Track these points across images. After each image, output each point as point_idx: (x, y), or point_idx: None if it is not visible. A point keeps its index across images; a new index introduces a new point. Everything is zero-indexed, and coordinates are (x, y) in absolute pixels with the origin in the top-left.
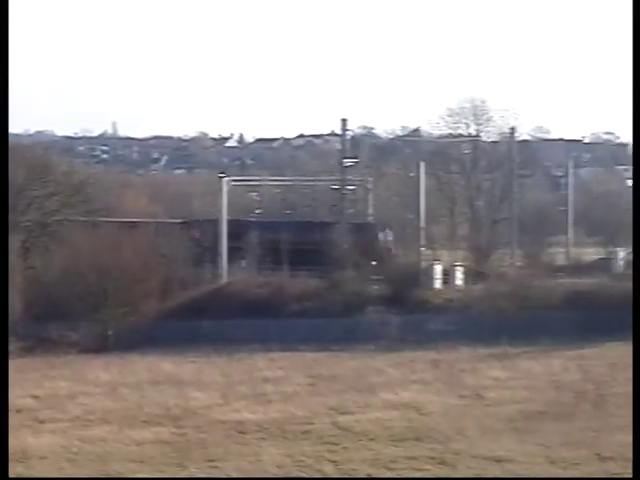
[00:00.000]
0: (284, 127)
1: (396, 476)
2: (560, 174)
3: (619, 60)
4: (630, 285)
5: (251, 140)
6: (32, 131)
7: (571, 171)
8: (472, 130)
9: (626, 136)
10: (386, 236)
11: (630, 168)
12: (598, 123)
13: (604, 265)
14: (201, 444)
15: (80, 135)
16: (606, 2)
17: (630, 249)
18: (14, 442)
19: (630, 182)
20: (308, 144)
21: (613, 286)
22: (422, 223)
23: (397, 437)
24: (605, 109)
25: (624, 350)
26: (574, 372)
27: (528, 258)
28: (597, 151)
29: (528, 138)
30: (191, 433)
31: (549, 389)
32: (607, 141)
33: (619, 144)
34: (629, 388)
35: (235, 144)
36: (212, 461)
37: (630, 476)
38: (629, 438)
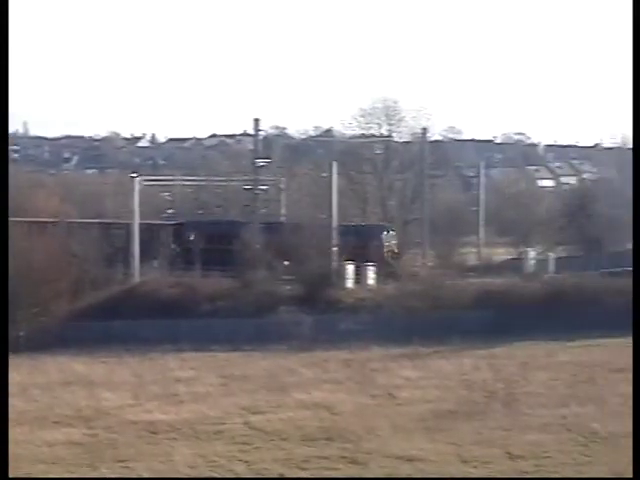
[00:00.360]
0: (196, 127)
1: (310, 476)
2: (471, 174)
3: (530, 60)
4: (539, 285)
5: (163, 140)
6: None
7: (482, 171)
8: (384, 130)
9: (537, 136)
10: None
11: (541, 168)
12: (509, 123)
13: (515, 265)
14: (112, 445)
15: None
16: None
17: (540, 249)
18: None
19: (541, 182)
20: (221, 144)
21: (524, 286)
22: (334, 223)
23: (309, 437)
24: (516, 110)
25: (535, 349)
26: (485, 371)
27: (439, 258)
28: (508, 151)
29: (440, 138)
30: (102, 434)
31: (460, 388)
32: (518, 141)
33: (530, 144)
34: (539, 387)
35: (147, 144)
36: (123, 462)
37: (630, 476)
38: (539, 437)
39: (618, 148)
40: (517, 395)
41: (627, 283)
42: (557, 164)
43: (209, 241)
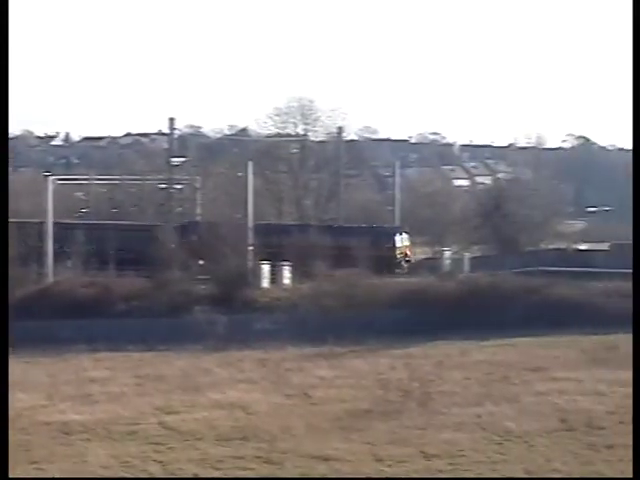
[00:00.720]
0: (111, 126)
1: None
2: (387, 174)
3: (444, 59)
4: (455, 285)
5: (77, 139)
6: None
7: (398, 171)
8: (300, 130)
9: (452, 136)
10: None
11: (456, 168)
12: (424, 123)
13: (430, 264)
14: (25, 446)
15: None
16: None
17: (455, 249)
18: None
19: (456, 182)
20: (135, 143)
21: (439, 285)
22: (250, 223)
23: (224, 437)
24: (431, 109)
25: (450, 349)
26: (401, 371)
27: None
28: (423, 151)
29: (355, 138)
30: (15, 435)
31: (376, 388)
32: (433, 141)
33: (445, 144)
34: (455, 387)
35: (61, 143)
36: (36, 463)
37: (630, 476)
38: (454, 436)
39: (533, 148)
40: (432, 394)
41: (541, 282)
42: (472, 164)
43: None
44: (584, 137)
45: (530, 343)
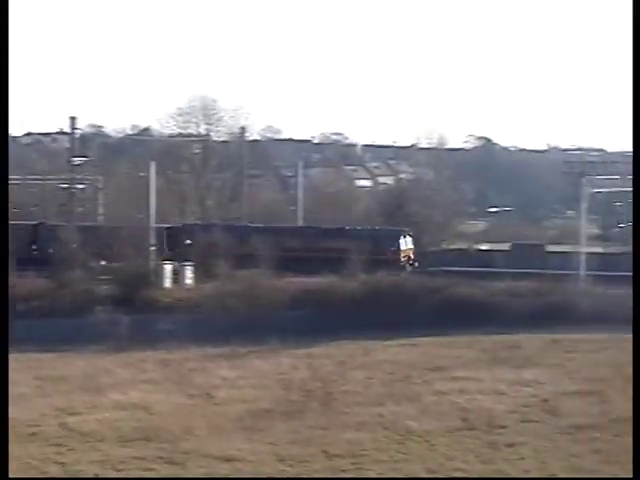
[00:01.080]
0: (11, 125)
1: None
2: (290, 174)
3: (345, 59)
4: (357, 284)
5: None
6: None
7: (300, 171)
8: (202, 129)
9: (354, 136)
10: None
11: (358, 168)
12: (327, 124)
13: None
14: None
15: None
16: None
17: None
18: None
19: (358, 182)
20: (36, 142)
21: (341, 285)
22: (152, 222)
23: (126, 437)
24: (334, 110)
25: (352, 348)
26: (303, 371)
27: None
28: (326, 151)
29: (258, 138)
30: None
31: (278, 388)
32: (336, 141)
33: (348, 144)
34: (357, 386)
35: None
36: None
37: (629, 476)
38: (356, 435)
39: (434, 148)
40: (334, 394)
41: (443, 282)
42: (374, 164)
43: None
44: (485, 138)
45: (432, 343)
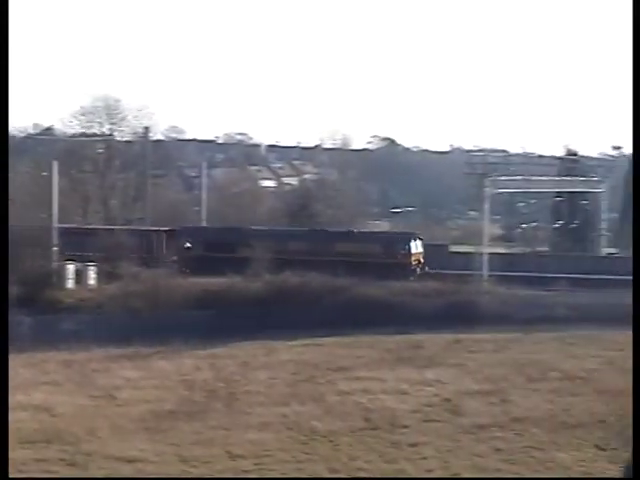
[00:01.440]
0: None
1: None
2: (194, 174)
3: (248, 58)
4: (261, 285)
5: None
6: None
7: (205, 171)
8: (106, 129)
9: (259, 137)
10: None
11: (263, 169)
12: (231, 124)
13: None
14: None
15: None
16: None
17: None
18: None
19: (263, 182)
20: None
21: (245, 285)
22: (55, 223)
23: (27, 439)
24: (238, 110)
25: (256, 349)
26: (206, 371)
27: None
28: (230, 151)
29: (162, 138)
30: None
31: (181, 388)
32: (240, 142)
33: (252, 145)
34: (260, 386)
35: None
36: None
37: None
38: (260, 436)
39: (339, 149)
40: (238, 394)
41: (347, 282)
42: (279, 164)
43: None
44: (389, 138)
45: (336, 343)
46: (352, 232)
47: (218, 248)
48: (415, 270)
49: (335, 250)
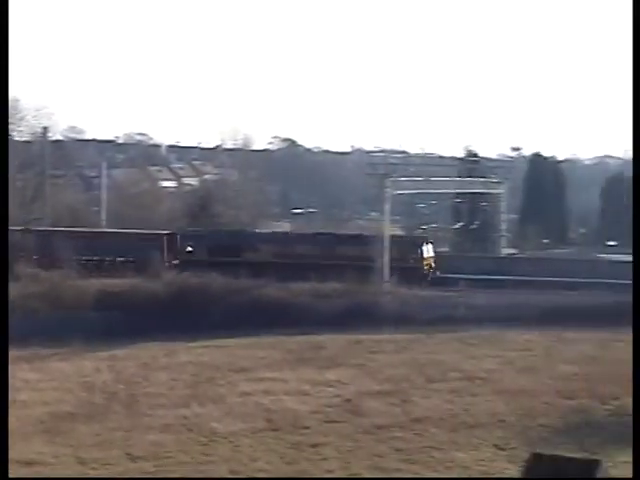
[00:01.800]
0: None
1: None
2: (93, 174)
3: (147, 58)
4: (162, 286)
5: None
6: None
7: (104, 172)
8: None
9: (159, 137)
10: None
11: (163, 169)
12: (131, 124)
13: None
14: None
15: None
16: None
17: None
18: None
19: (163, 183)
20: None
21: (146, 286)
22: None
23: None
24: (138, 110)
25: (157, 350)
26: (106, 373)
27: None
28: (130, 152)
29: (61, 138)
30: None
31: (80, 390)
32: (140, 142)
33: (152, 145)
34: (161, 388)
35: None
36: None
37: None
38: (160, 437)
39: (240, 149)
40: (138, 396)
41: (249, 283)
42: (179, 165)
43: None
44: (290, 139)
45: (237, 344)
46: (361, 235)
47: (222, 252)
48: (427, 275)
49: (343, 254)
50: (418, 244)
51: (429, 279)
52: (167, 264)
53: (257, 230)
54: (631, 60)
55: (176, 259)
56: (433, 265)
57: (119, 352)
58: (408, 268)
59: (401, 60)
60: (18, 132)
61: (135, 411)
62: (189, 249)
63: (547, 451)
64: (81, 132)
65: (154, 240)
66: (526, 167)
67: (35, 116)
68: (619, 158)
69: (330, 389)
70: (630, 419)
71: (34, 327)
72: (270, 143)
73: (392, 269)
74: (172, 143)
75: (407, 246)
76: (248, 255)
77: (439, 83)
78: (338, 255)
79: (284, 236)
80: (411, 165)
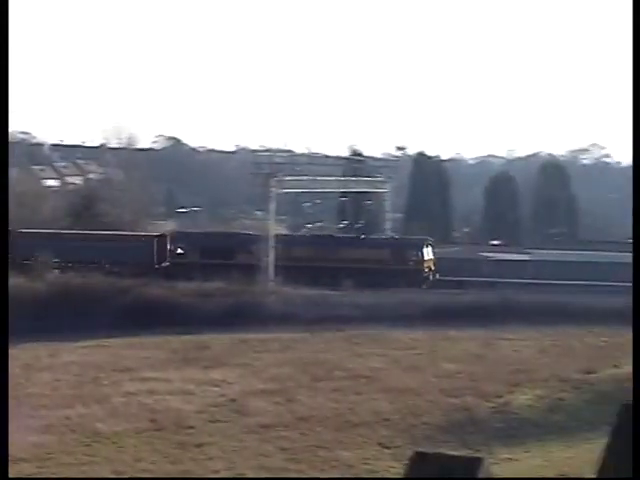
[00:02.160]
0: None
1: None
2: None
3: (49, 56)
4: (44, 286)
5: None
6: None
7: None
8: None
9: (42, 136)
10: None
11: (46, 168)
12: (14, 123)
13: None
14: None
15: None
16: None
17: None
18: None
19: (46, 182)
20: None
21: (28, 286)
22: None
23: None
24: (21, 108)
25: (39, 350)
26: None
27: None
28: (13, 150)
29: None
30: None
31: None
32: (23, 140)
33: (35, 144)
34: (44, 389)
35: None
36: None
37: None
38: (42, 438)
39: (124, 148)
40: (21, 397)
41: (132, 283)
42: (63, 164)
43: None
44: (175, 138)
45: (121, 344)
46: (360, 237)
47: (213, 254)
48: (428, 277)
49: (341, 256)
50: (418, 246)
51: (430, 282)
52: (157, 266)
53: (251, 232)
54: (624, 61)
55: (166, 261)
56: (433, 267)
57: None
58: (407, 271)
59: (283, 58)
60: None
61: (17, 412)
62: (180, 251)
63: (430, 449)
64: None
65: (144, 242)
66: (411, 166)
67: None
68: (502, 157)
69: (215, 389)
70: (513, 417)
71: None
72: (154, 142)
73: (389, 272)
74: (55, 142)
75: (407, 248)
76: (242, 257)
77: (325, 82)
78: (339, 258)
79: (282, 238)
80: (297, 164)
